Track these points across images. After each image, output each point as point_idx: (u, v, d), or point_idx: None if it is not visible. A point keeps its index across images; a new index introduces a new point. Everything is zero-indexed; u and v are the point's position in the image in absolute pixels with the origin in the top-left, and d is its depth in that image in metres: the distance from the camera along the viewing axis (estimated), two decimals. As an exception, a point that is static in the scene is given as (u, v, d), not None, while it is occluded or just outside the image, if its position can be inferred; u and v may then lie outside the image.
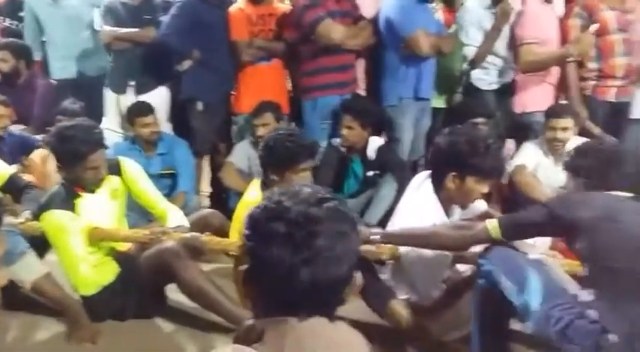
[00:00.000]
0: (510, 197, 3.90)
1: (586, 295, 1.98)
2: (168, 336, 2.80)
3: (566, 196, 2.25)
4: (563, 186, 3.06)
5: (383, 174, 3.90)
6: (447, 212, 2.61)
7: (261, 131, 3.93)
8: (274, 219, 1.09)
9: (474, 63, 4.17)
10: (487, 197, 3.94)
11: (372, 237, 2.38)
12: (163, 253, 2.75)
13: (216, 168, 4.34)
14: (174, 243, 2.78)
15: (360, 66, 4.22)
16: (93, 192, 2.89)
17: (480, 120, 3.89)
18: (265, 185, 2.92)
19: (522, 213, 2.20)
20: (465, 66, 4.25)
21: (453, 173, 2.48)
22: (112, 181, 2.97)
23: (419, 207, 2.55)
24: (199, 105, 4.25)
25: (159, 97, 4.32)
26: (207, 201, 4.36)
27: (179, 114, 4.39)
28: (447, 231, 2.30)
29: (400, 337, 2.61)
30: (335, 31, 3.92)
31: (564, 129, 3.75)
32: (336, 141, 4.02)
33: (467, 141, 2.46)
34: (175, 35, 4.13)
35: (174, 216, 3.05)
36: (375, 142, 4.00)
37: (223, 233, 3.04)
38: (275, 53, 4.23)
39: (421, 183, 2.65)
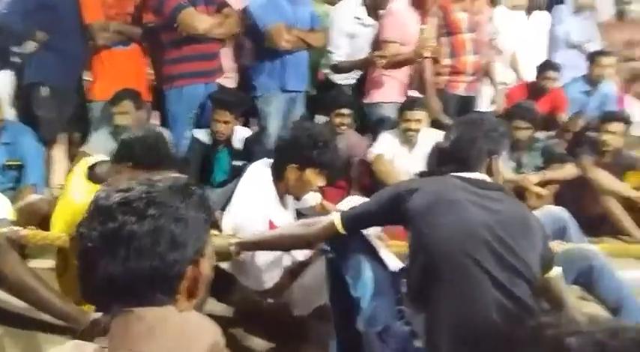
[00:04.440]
0: (370, 184, 4.05)
1: (404, 287, 2.04)
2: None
3: (401, 186, 2.15)
4: (417, 173, 3.23)
5: (250, 164, 3.88)
6: (283, 202, 2.70)
7: (119, 120, 3.74)
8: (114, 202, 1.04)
9: (337, 69, 4.30)
10: (348, 185, 4.16)
11: (230, 249, 2.39)
12: None
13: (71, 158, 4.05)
14: None
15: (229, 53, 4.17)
16: None
17: (344, 111, 4.08)
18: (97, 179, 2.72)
19: (362, 205, 2.20)
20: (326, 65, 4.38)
21: (294, 164, 2.60)
22: None
23: (256, 196, 2.63)
24: (44, 91, 3.93)
25: (1, 82, 3.94)
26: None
27: (24, 100, 4.04)
28: (295, 230, 2.36)
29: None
30: (198, 20, 3.81)
31: (417, 120, 4.00)
32: (199, 132, 3.94)
33: (308, 136, 2.61)
34: (17, 15, 3.78)
35: None
36: (241, 132, 3.97)
37: None
38: (133, 37, 4.03)
39: (258, 172, 2.72)
